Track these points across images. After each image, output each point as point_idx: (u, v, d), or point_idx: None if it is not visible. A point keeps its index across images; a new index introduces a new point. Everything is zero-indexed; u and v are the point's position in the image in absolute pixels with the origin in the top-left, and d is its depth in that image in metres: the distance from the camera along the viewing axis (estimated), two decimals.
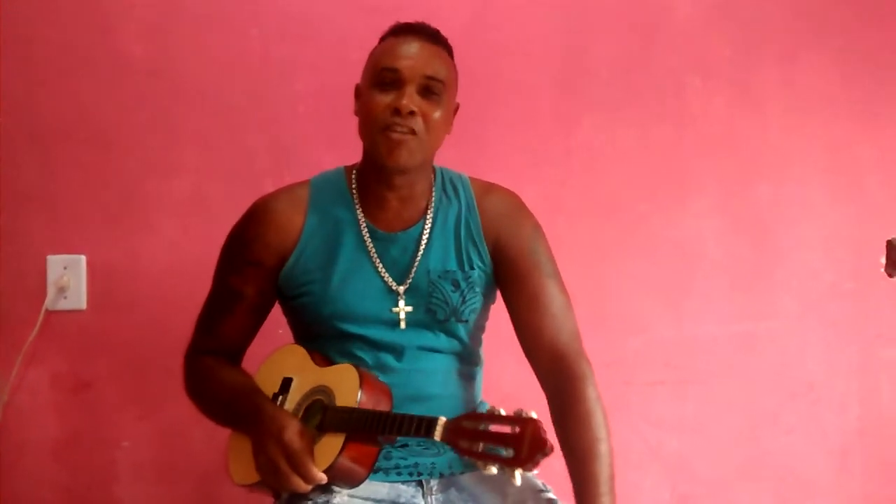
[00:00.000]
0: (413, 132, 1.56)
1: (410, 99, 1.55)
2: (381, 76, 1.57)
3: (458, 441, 1.33)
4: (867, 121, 2.36)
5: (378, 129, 1.56)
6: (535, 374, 1.66)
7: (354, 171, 1.69)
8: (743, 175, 2.33)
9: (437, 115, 1.58)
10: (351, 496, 1.51)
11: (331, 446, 1.46)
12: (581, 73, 2.28)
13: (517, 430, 1.28)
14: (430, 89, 1.57)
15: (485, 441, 1.30)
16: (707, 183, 2.32)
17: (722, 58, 2.32)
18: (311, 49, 2.17)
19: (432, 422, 1.37)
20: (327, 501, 1.49)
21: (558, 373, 1.61)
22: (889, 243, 1.54)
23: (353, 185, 1.67)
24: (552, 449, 1.28)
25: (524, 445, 1.26)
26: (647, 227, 2.30)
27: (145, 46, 2.14)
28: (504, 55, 2.25)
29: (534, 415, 1.29)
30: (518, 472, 1.27)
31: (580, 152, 2.27)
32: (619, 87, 2.28)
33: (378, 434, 1.46)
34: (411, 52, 1.58)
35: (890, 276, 1.55)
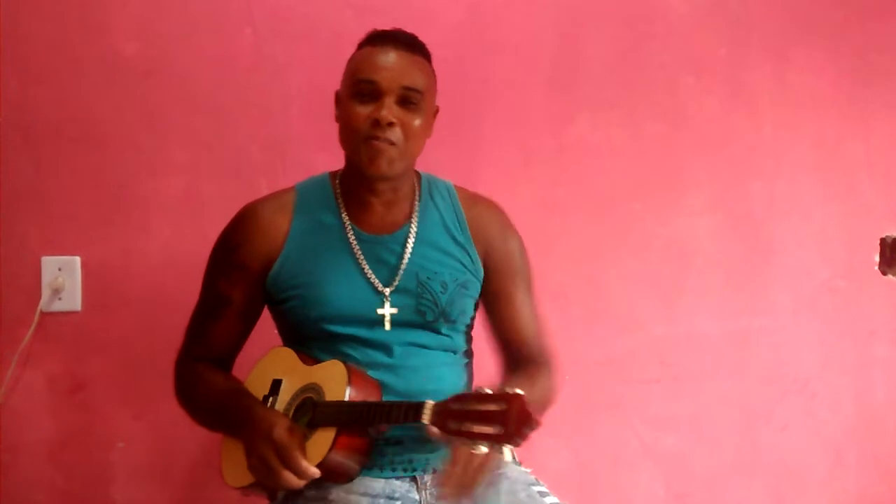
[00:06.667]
0: (393, 143, 1.58)
1: (390, 110, 1.58)
2: (359, 87, 1.60)
3: (447, 422, 1.35)
4: (859, 118, 2.36)
5: (359, 140, 1.59)
6: (504, 366, 1.73)
7: (339, 176, 1.72)
8: (736, 172, 2.33)
9: (416, 123, 1.60)
10: (347, 492, 1.52)
11: (322, 441, 1.47)
12: (574, 72, 2.28)
13: (503, 406, 1.30)
14: (409, 99, 1.60)
15: (472, 420, 1.32)
16: (700, 180, 2.33)
17: (715, 56, 2.33)
18: (305, 48, 2.17)
19: (420, 406, 1.39)
20: (324, 497, 1.51)
21: (526, 360, 1.71)
22: (882, 241, 1.54)
23: (338, 190, 1.70)
24: (539, 423, 1.30)
25: (511, 421, 1.29)
26: (641, 225, 2.30)
27: (139, 46, 2.14)
28: (496, 53, 2.25)
29: (519, 391, 1.31)
30: (507, 449, 1.31)
31: (573, 150, 2.28)
32: (612, 85, 2.29)
33: (368, 424, 1.47)
34: (388, 63, 1.60)
35: (883, 273, 1.55)
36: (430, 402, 1.38)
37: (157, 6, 2.15)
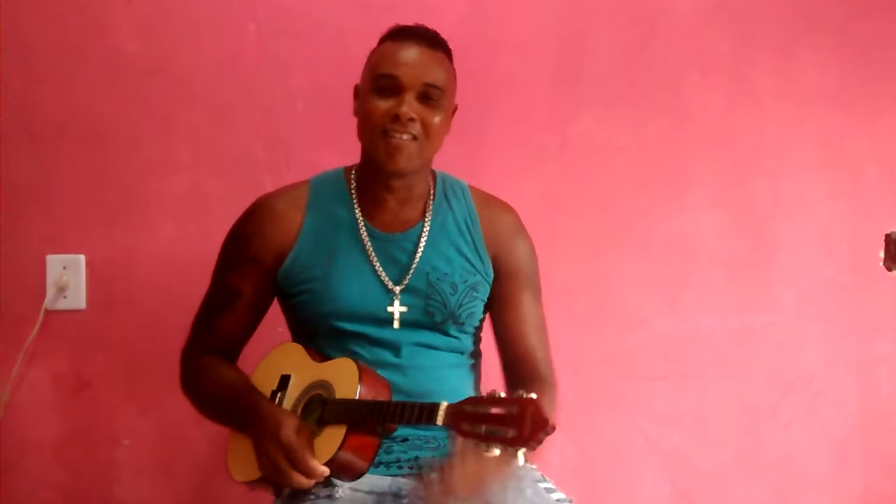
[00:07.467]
0: (413, 137, 1.58)
1: (410, 106, 1.57)
2: (379, 82, 1.59)
3: (461, 424, 1.34)
4: (864, 115, 2.36)
5: (377, 134, 1.58)
6: (507, 379, 1.70)
7: (353, 172, 1.71)
8: (740, 169, 2.33)
9: (436, 120, 1.59)
10: (353, 490, 1.52)
11: (332, 439, 1.47)
12: (578, 68, 2.28)
13: (518, 410, 1.29)
14: (429, 96, 1.59)
15: (487, 423, 1.31)
16: (705, 177, 2.32)
17: (719, 52, 2.32)
18: (309, 45, 2.17)
19: (434, 407, 1.38)
20: (330, 495, 1.51)
21: (529, 377, 1.65)
22: (888, 237, 1.54)
23: (353, 186, 1.69)
24: (554, 428, 1.29)
25: (526, 425, 1.28)
26: (645, 222, 2.30)
27: (142, 44, 2.14)
28: (500, 50, 2.25)
29: (533, 396, 1.30)
30: (521, 452, 1.28)
31: (577, 147, 2.27)
32: (616, 82, 2.28)
33: (379, 423, 1.46)
34: (410, 59, 1.59)
35: (889, 269, 1.55)
36: (444, 404, 1.37)
37: (159, 4, 2.15)
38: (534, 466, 1.65)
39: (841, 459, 2.36)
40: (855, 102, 2.36)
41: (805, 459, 2.35)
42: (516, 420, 1.28)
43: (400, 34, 1.64)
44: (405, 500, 1.54)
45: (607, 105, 2.28)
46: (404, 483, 1.56)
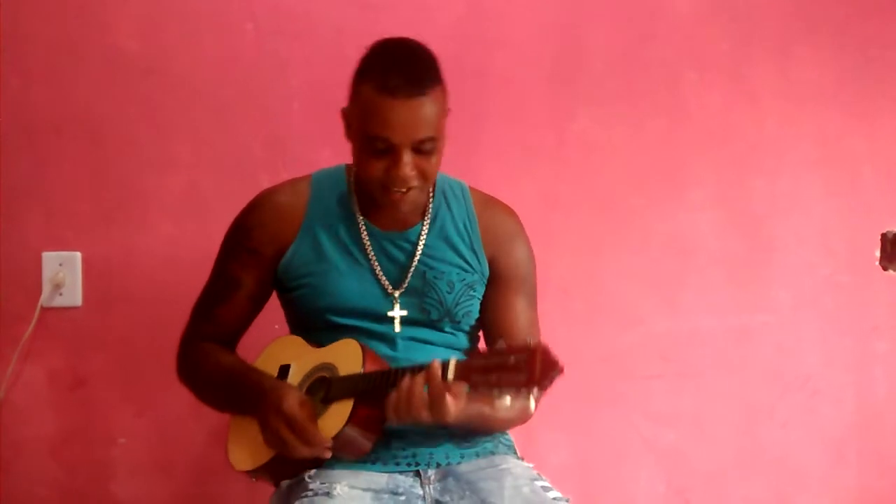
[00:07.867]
0: (412, 186, 1.57)
1: (407, 165, 1.54)
2: (373, 144, 1.54)
3: (471, 377, 1.36)
4: (861, 114, 2.36)
5: (376, 187, 1.58)
6: None
7: (354, 172, 1.71)
8: (738, 168, 2.33)
9: (433, 162, 1.58)
10: (351, 486, 1.53)
11: (338, 414, 1.49)
12: (576, 67, 2.28)
13: (527, 356, 1.31)
14: (424, 147, 1.55)
15: (497, 373, 1.33)
16: (702, 176, 2.32)
17: (717, 51, 2.32)
18: (306, 44, 2.17)
19: (444, 365, 1.40)
20: (328, 493, 1.51)
21: None
22: (883, 236, 1.55)
23: (353, 185, 1.70)
24: (563, 369, 1.30)
25: (536, 367, 1.29)
26: (642, 221, 2.30)
27: (140, 43, 2.14)
28: (497, 49, 2.25)
29: (539, 340, 1.32)
30: (533, 396, 1.30)
31: (574, 146, 2.28)
32: (613, 81, 2.28)
33: (389, 389, 1.46)
34: (402, 117, 1.52)
35: (885, 269, 1.55)
36: (453, 360, 1.39)
37: (158, 4, 2.15)
38: (531, 465, 1.65)
39: (838, 458, 2.37)
40: (853, 102, 2.36)
41: (802, 458, 2.35)
42: (527, 364, 1.30)
43: (387, 81, 1.52)
44: (402, 497, 1.54)
45: (605, 104, 2.28)
46: (402, 480, 1.56)
